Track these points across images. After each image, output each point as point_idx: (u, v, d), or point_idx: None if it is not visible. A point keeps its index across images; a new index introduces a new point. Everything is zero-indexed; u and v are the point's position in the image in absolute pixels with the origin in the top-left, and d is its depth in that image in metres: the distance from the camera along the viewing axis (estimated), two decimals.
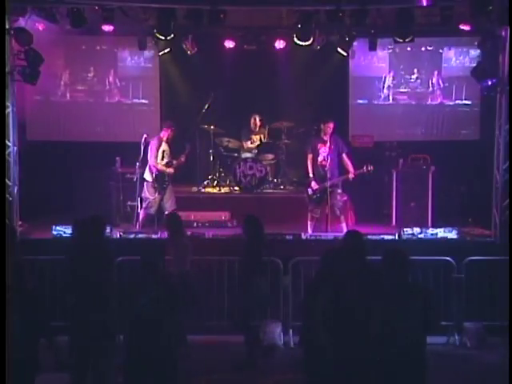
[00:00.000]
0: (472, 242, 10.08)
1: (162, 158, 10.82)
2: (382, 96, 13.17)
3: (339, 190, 10.65)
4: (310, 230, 10.60)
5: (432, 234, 9.96)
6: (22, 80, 9.97)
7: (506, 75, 9.84)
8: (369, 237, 9.53)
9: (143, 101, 13.33)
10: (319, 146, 10.61)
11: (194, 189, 12.65)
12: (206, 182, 12.77)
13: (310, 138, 11.32)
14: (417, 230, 9.98)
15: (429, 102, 13.11)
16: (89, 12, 10.21)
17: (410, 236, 9.90)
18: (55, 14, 10.30)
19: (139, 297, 5.68)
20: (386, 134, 12.94)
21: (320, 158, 10.59)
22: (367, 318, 5.34)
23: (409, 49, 12.76)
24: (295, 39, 10.99)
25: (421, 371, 5.28)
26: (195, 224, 11.34)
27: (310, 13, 10.35)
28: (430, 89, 13.06)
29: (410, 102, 13.16)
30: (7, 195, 9.74)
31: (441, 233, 9.94)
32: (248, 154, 12.77)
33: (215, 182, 12.77)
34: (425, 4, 9.76)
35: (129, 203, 11.54)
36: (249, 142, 12.93)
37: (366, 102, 13.24)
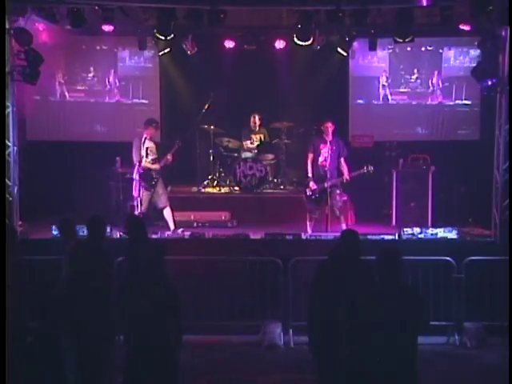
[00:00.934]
0: (472, 242, 10.08)
1: (147, 156, 10.72)
2: (382, 96, 13.16)
3: (338, 191, 10.65)
4: (309, 231, 10.61)
5: (432, 234, 9.95)
6: (22, 80, 9.97)
7: (506, 75, 9.84)
8: (369, 237, 9.55)
9: (143, 101, 13.32)
10: (321, 146, 10.62)
11: (194, 189, 12.65)
12: (205, 182, 12.77)
13: (312, 137, 11.35)
14: (417, 229, 9.98)
15: (429, 101, 13.09)
16: (89, 12, 10.20)
17: (409, 236, 9.89)
18: (55, 13, 10.29)
19: (139, 297, 5.67)
20: (385, 133, 12.93)
21: (321, 159, 10.61)
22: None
23: (409, 49, 12.74)
24: (295, 39, 10.99)
25: (412, 372, 5.21)
26: (195, 224, 11.35)
27: (309, 13, 10.36)
28: (430, 89, 13.05)
29: (410, 102, 13.15)
30: (7, 195, 9.74)
31: (441, 233, 9.94)
32: (248, 154, 12.77)
33: (215, 181, 12.77)
34: (425, 4, 9.76)
35: (129, 203, 11.53)
36: (249, 142, 12.93)
37: (365, 101, 13.23)
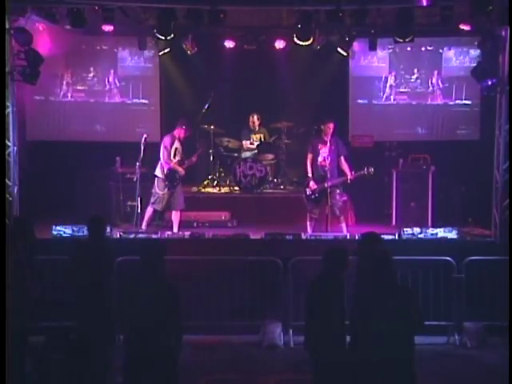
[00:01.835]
0: (472, 242, 10.08)
1: (174, 156, 10.80)
2: (382, 96, 13.16)
3: (338, 191, 10.65)
4: (309, 231, 10.60)
5: (432, 234, 9.95)
6: (22, 80, 9.98)
7: (506, 75, 9.83)
8: None
9: (143, 101, 13.32)
10: (320, 146, 10.62)
11: (194, 189, 12.65)
12: (205, 182, 12.78)
13: (311, 137, 11.35)
14: (417, 229, 9.98)
15: (429, 101, 13.09)
16: (89, 12, 10.21)
17: (410, 236, 9.89)
18: (55, 14, 10.30)
19: (139, 297, 5.68)
20: (386, 133, 12.93)
21: (320, 159, 10.60)
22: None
23: (409, 49, 12.75)
24: (295, 39, 11.00)
25: (409, 372, 5.20)
26: (195, 224, 11.36)
27: (309, 13, 10.36)
28: (430, 89, 13.05)
29: (410, 102, 13.15)
30: (7, 195, 9.74)
31: (441, 233, 9.94)
32: (248, 154, 12.77)
33: (215, 182, 12.77)
34: (425, 4, 9.76)
35: (129, 203, 11.54)
36: (249, 142, 12.93)
37: (366, 101, 13.23)
